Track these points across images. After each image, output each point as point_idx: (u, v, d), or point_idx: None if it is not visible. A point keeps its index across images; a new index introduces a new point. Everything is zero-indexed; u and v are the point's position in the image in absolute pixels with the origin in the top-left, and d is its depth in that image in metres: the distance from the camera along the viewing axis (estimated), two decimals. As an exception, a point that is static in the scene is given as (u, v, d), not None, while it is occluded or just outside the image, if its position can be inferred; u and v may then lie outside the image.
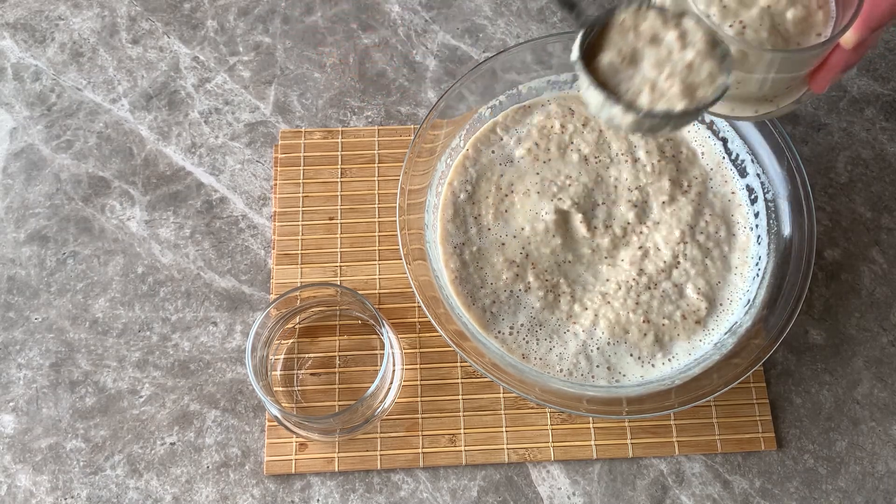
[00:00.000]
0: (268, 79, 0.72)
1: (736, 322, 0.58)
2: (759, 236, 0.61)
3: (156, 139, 0.69)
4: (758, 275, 0.59)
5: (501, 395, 0.61)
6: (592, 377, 0.57)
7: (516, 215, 0.61)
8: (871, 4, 0.42)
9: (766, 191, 0.61)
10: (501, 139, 0.64)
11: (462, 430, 0.60)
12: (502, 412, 0.60)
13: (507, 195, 0.62)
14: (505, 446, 0.59)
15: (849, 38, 0.43)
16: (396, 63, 0.73)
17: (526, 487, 0.59)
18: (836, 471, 0.60)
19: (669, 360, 0.58)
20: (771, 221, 0.60)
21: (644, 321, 0.58)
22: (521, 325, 0.58)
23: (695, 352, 0.58)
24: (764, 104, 0.46)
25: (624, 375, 0.57)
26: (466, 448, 0.59)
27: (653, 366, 0.58)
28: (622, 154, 0.63)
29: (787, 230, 0.59)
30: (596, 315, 0.58)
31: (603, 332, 0.58)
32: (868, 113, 0.71)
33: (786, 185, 0.59)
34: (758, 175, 0.61)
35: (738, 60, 0.42)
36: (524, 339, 0.58)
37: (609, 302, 0.59)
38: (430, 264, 0.58)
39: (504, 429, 0.60)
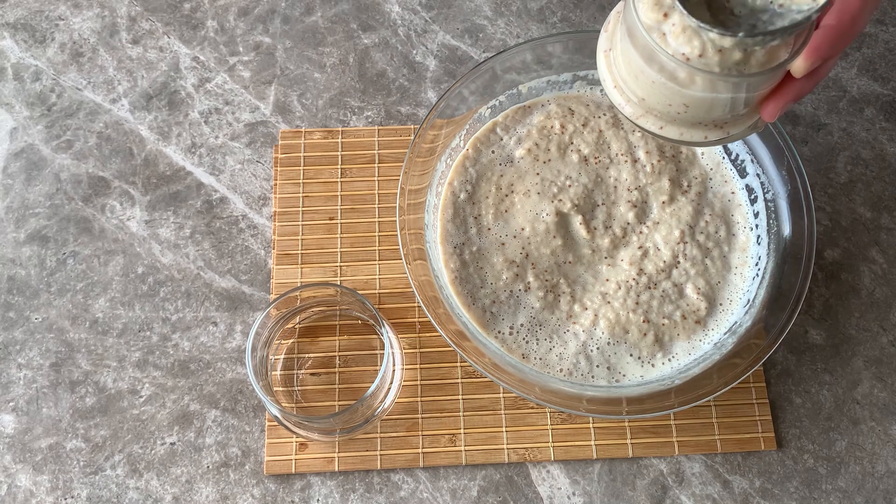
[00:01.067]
0: (268, 79, 0.72)
1: (736, 322, 0.58)
2: (758, 236, 0.61)
3: (156, 139, 0.69)
4: (758, 275, 0.59)
5: (501, 395, 0.61)
6: (592, 377, 0.57)
7: (516, 215, 0.61)
8: (822, 33, 0.41)
9: (766, 191, 0.61)
10: (501, 139, 0.64)
11: (462, 430, 0.60)
12: (502, 412, 0.60)
13: (507, 195, 0.62)
14: (505, 446, 0.59)
15: (799, 67, 0.41)
16: (396, 63, 0.73)
17: (526, 487, 0.59)
18: (836, 471, 0.60)
19: (669, 359, 0.58)
20: (771, 221, 0.60)
21: (644, 321, 0.58)
22: (521, 325, 0.58)
23: (695, 352, 0.58)
24: (714, 130, 0.45)
25: (624, 375, 0.57)
26: (466, 448, 0.59)
27: (653, 366, 0.58)
28: (622, 154, 0.63)
29: (787, 230, 0.59)
30: (596, 315, 0.58)
31: (603, 332, 0.58)
32: (868, 113, 0.71)
33: (786, 185, 0.59)
34: (758, 175, 0.61)
35: (688, 83, 0.41)
36: (524, 339, 0.58)
37: (609, 302, 0.59)
38: (430, 264, 0.58)
39: (504, 429, 0.60)
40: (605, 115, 0.64)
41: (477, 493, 0.59)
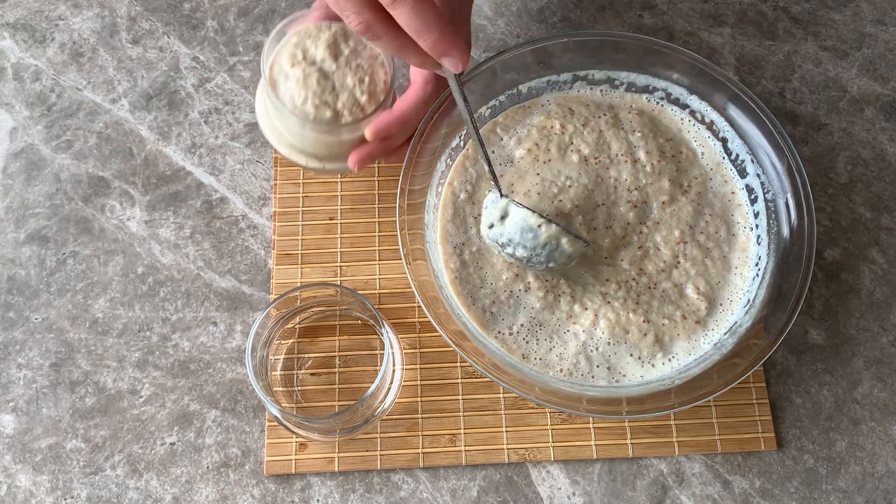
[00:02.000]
0: (268, 79, 0.72)
1: (736, 322, 0.58)
2: (759, 236, 0.61)
3: (156, 139, 0.69)
4: (758, 275, 0.59)
5: (501, 395, 0.61)
6: (592, 377, 0.57)
7: None
8: (385, 116, 0.55)
9: (766, 191, 0.61)
10: (501, 139, 0.64)
11: (462, 430, 0.60)
12: (502, 412, 0.60)
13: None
14: (505, 446, 0.59)
15: (367, 134, 0.55)
16: (396, 63, 0.73)
17: (526, 487, 0.59)
18: (836, 471, 0.60)
19: (669, 359, 0.58)
20: (771, 221, 0.60)
21: (644, 321, 0.58)
22: (521, 325, 0.58)
23: (695, 352, 0.58)
24: (313, 160, 0.58)
25: (624, 375, 0.57)
26: (466, 448, 0.59)
27: (653, 366, 0.58)
28: (622, 155, 0.63)
29: (786, 230, 0.59)
30: (596, 315, 0.58)
31: (603, 332, 0.58)
32: (868, 113, 0.71)
33: (786, 185, 0.59)
34: (758, 175, 0.61)
35: (299, 123, 0.55)
36: (524, 339, 0.58)
37: (609, 302, 0.59)
38: (430, 264, 0.58)
39: (504, 429, 0.60)
40: (605, 115, 0.64)
41: (477, 494, 0.59)
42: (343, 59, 0.56)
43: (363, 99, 0.55)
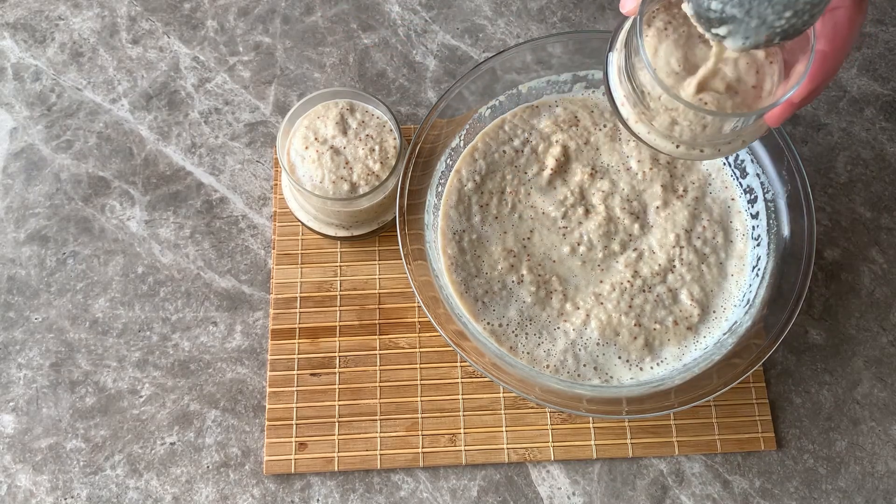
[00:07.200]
0: (268, 79, 0.72)
1: (736, 322, 0.58)
2: (758, 236, 0.61)
3: (156, 139, 0.69)
4: (758, 275, 0.59)
5: (501, 395, 0.61)
6: (579, 375, 0.57)
7: (519, 210, 0.61)
8: (816, 59, 0.43)
9: (765, 191, 0.61)
10: (511, 140, 0.64)
11: (462, 430, 0.60)
12: (502, 412, 0.60)
13: (512, 192, 0.62)
14: (505, 446, 0.59)
15: (798, 96, 0.44)
16: (396, 63, 0.73)
17: (526, 487, 0.59)
18: (836, 471, 0.60)
19: (658, 363, 0.58)
20: (771, 221, 0.60)
21: (636, 325, 0.58)
22: (511, 318, 0.58)
23: (684, 357, 0.58)
24: (341, 229, 0.62)
25: (611, 377, 0.57)
26: (466, 448, 0.59)
27: (641, 369, 0.58)
28: (614, 165, 0.63)
29: (786, 230, 0.59)
30: (588, 315, 0.58)
31: (593, 333, 0.58)
32: (868, 113, 0.71)
33: (786, 185, 0.59)
34: (757, 175, 0.61)
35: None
36: (513, 332, 0.58)
37: (602, 303, 0.59)
38: (429, 265, 0.58)
39: (504, 429, 0.60)
40: (606, 125, 0.64)
41: (477, 493, 0.59)
42: (352, 133, 0.60)
43: (376, 167, 0.59)
